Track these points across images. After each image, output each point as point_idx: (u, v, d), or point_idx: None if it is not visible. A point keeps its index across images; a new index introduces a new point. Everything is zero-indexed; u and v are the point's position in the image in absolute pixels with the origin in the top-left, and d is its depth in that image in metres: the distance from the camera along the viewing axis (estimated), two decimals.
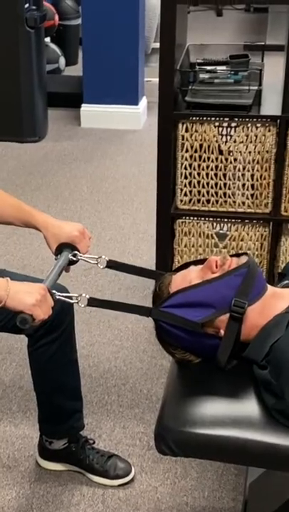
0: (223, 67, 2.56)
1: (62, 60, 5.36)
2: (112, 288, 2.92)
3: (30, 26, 4.11)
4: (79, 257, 1.75)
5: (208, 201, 2.58)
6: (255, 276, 1.58)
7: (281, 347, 1.46)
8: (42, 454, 2.08)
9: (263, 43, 2.85)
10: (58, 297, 1.59)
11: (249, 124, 2.47)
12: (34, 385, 2.01)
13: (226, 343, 1.56)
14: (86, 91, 4.57)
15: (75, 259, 1.75)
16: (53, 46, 5.35)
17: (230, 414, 1.52)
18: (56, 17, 5.32)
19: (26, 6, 4.07)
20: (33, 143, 4.34)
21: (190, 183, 2.57)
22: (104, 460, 2.03)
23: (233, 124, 2.50)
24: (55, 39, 5.49)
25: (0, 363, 2.49)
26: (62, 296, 1.60)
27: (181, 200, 2.60)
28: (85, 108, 4.59)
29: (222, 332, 1.56)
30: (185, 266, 1.70)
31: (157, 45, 4.97)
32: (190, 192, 2.58)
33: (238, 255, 1.64)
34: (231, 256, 1.63)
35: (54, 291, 1.58)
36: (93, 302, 1.61)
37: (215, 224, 2.65)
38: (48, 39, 5.31)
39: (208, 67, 2.57)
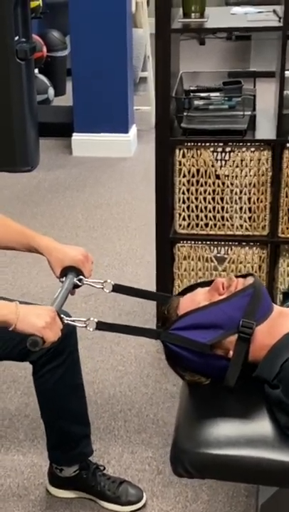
0: (217, 94, 2.61)
1: (51, 91, 5.42)
2: (113, 314, 2.94)
3: (20, 58, 4.15)
4: (84, 282, 1.77)
5: (206, 225, 2.62)
6: (261, 297, 1.60)
7: None
8: (52, 482, 2.08)
9: (254, 70, 2.91)
10: (66, 321, 1.60)
11: (244, 149, 2.51)
12: (41, 412, 2.01)
13: (235, 364, 1.58)
14: (76, 120, 4.62)
15: (80, 283, 1.76)
16: (42, 77, 5.40)
17: (244, 434, 1.53)
18: (44, 49, 5.38)
19: (16, 38, 4.12)
20: (26, 172, 4.37)
21: (188, 207, 2.60)
22: (116, 486, 2.02)
23: (229, 149, 2.55)
24: (44, 70, 5.55)
25: (5, 391, 2.49)
26: (71, 320, 1.62)
27: (180, 225, 2.63)
28: (76, 137, 4.64)
29: (231, 353, 1.58)
30: (192, 288, 1.72)
31: (145, 74, 5.06)
32: (188, 216, 2.62)
33: (244, 276, 1.67)
34: (237, 277, 1.66)
35: (62, 316, 1.59)
36: (102, 326, 1.63)
37: (213, 247, 2.68)
38: (36, 70, 5.37)
39: (202, 94, 2.62)
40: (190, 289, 1.71)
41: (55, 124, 4.86)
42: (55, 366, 1.89)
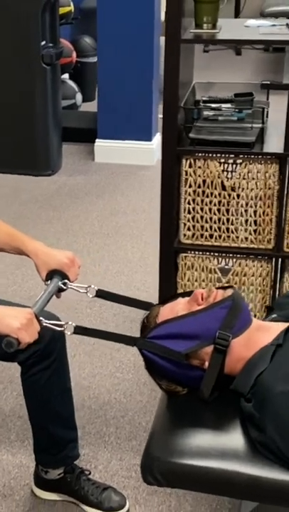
0: (228, 105, 2.62)
1: (79, 96, 5.46)
2: (117, 321, 2.95)
3: (46, 63, 4.20)
4: (69, 286, 1.78)
5: (211, 236, 2.62)
6: (240, 309, 1.60)
7: (264, 380, 1.48)
8: (37, 483, 2.09)
9: (268, 82, 2.89)
10: (44, 324, 1.61)
11: (252, 161, 2.51)
12: (28, 413, 2.03)
13: (210, 375, 1.58)
14: (100, 126, 4.65)
15: (64, 287, 1.78)
16: (70, 82, 5.45)
17: (216, 446, 1.53)
18: (74, 54, 5.43)
19: (43, 43, 4.17)
20: (47, 176, 4.41)
21: (193, 217, 2.60)
22: (100, 492, 2.03)
23: (237, 161, 2.54)
24: (73, 76, 5.60)
25: (1, 392, 2.52)
26: (49, 323, 1.63)
27: (185, 235, 2.63)
28: (99, 143, 4.67)
29: (206, 364, 1.58)
30: (173, 297, 1.73)
31: None
32: (193, 227, 2.62)
33: (224, 288, 1.67)
34: (217, 288, 1.67)
35: (41, 318, 1.61)
36: (79, 330, 1.64)
37: (218, 259, 2.68)
38: (66, 75, 5.42)
39: (213, 105, 2.63)
40: (172, 298, 1.71)
41: (79, 130, 4.90)
42: (43, 368, 1.91)
